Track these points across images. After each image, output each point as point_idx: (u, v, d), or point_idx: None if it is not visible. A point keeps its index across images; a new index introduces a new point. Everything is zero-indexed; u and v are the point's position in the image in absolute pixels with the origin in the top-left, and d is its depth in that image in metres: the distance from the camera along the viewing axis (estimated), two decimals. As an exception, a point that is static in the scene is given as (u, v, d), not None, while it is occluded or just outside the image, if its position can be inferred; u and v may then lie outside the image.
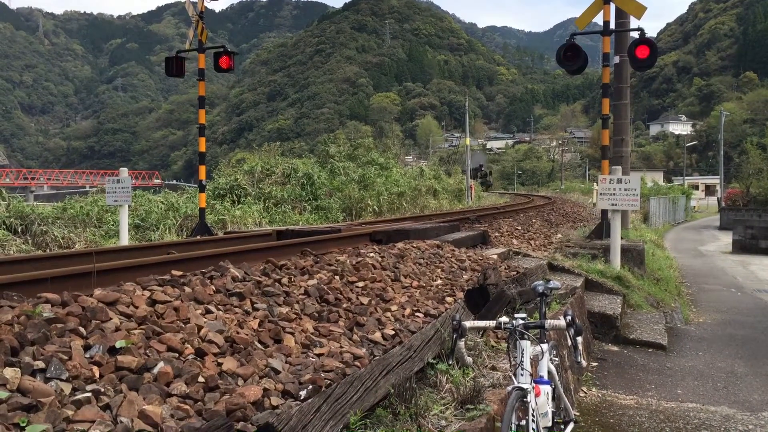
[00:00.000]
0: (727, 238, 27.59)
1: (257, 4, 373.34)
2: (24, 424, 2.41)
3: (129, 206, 12.67)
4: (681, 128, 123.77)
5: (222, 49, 13.15)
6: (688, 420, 6.06)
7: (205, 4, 13.51)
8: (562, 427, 4.21)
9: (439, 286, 6.65)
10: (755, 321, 11.17)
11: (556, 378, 4.10)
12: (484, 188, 62.13)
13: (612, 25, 12.92)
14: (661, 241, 25.20)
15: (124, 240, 11.93)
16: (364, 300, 5.35)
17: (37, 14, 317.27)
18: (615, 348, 8.80)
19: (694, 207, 62.20)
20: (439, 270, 7.38)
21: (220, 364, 3.42)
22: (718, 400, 6.73)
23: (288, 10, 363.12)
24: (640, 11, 12.49)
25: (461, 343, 3.66)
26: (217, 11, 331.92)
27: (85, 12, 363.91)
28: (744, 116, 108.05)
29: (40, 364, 2.80)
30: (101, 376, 2.94)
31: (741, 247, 24.35)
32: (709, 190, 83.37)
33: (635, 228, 21.11)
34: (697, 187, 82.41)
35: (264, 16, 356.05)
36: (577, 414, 5.80)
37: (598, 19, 12.88)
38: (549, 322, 3.63)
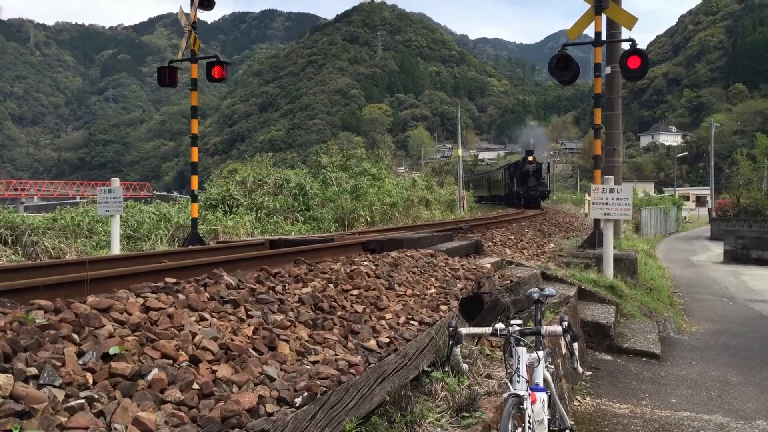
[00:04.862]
0: (718, 249, 27.70)
1: (249, 16, 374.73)
2: (17, 431, 2.38)
3: (120, 216, 12.62)
4: (671, 139, 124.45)
5: (215, 59, 13.16)
6: (683, 429, 6.05)
7: (198, 14, 13.52)
8: (558, 435, 4.19)
9: (434, 295, 6.64)
10: (748, 330, 11.19)
11: (552, 386, 4.09)
12: (521, 201, 36.55)
13: (603, 36, 13.00)
14: (653, 251, 25.29)
15: (116, 250, 11.87)
16: (359, 308, 5.33)
17: (29, 25, 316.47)
18: (609, 357, 8.80)
19: (685, 217, 62.51)
20: (433, 279, 7.37)
21: (214, 371, 3.39)
22: (712, 409, 6.73)
23: (280, 21, 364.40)
24: (631, 22, 12.60)
25: (457, 350, 3.64)
26: (209, 22, 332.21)
27: (76, 23, 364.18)
28: (734, 127, 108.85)
29: (33, 371, 2.76)
30: (95, 382, 2.91)
31: (732, 257, 24.46)
32: (700, 200, 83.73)
33: (627, 238, 21.18)
34: (687, 198, 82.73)
35: (256, 28, 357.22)
36: (573, 422, 5.78)
37: (589, 31, 12.97)
38: (545, 328, 3.61)
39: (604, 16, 12.65)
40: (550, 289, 4.19)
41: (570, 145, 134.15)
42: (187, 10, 13.30)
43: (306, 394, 3.35)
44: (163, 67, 13.42)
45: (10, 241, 13.05)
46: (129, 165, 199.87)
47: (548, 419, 3.75)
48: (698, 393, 7.34)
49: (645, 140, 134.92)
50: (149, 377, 3.07)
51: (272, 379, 3.48)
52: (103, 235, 14.44)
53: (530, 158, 38.55)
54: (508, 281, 7.93)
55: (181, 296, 4.32)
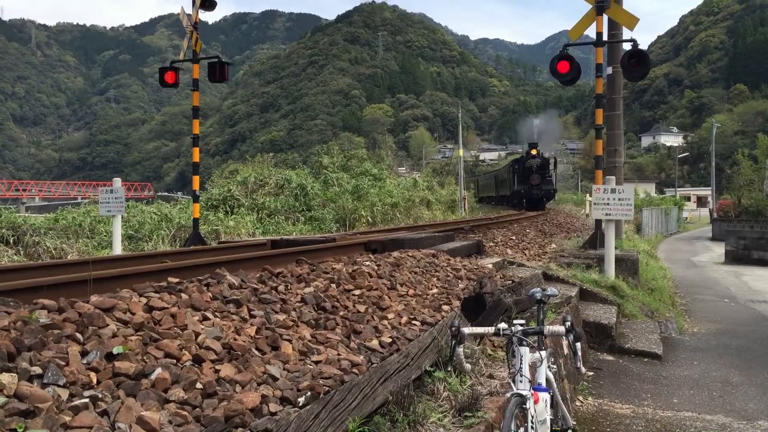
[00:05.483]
0: (719, 249, 27.71)
1: (250, 16, 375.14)
2: (21, 430, 2.38)
3: (122, 217, 12.62)
4: (672, 140, 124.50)
5: (216, 59, 13.17)
6: (685, 429, 6.05)
7: (199, 15, 13.53)
8: (561, 435, 4.18)
9: (435, 295, 6.64)
10: (749, 331, 11.19)
11: (554, 386, 4.08)
12: (522, 202, 32.35)
13: (605, 37, 13.00)
14: (655, 251, 25.28)
15: (117, 250, 11.87)
16: (361, 308, 5.33)
17: (30, 26, 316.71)
18: (610, 357, 8.79)
19: (687, 218, 62.49)
20: (434, 279, 7.37)
21: (217, 371, 3.39)
22: (714, 409, 6.72)
23: (281, 22, 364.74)
24: (632, 23, 12.60)
25: (460, 350, 3.64)
26: (210, 23, 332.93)
27: (78, 24, 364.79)
28: (735, 128, 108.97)
29: (37, 370, 2.77)
30: (98, 382, 2.92)
31: (733, 258, 24.46)
32: (701, 201, 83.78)
33: (629, 238, 21.16)
34: (689, 199, 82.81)
35: (257, 28, 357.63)
36: (575, 423, 5.78)
37: (591, 32, 12.97)
38: (548, 328, 3.60)
39: (605, 17, 12.65)
40: (552, 289, 4.18)
41: (571, 146, 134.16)
42: (189, 10, 13.32)
43: (309, 393, 3.36)
44: (165, 67, 13.42)
45: (12, 241, 13.05)
46: (130, 165, 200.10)
47: (551, 419, 3.74)
48: (700, 393, 7.33)
49: (646, 141, 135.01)
50: (153, 377, 3.07)
51: (275, 379, 3.48)
52: (105, 236, 14.44)
53: (533, 152, 33.17)
54: (510, 281, 7.92)
55: (184, 296, 4.32)
